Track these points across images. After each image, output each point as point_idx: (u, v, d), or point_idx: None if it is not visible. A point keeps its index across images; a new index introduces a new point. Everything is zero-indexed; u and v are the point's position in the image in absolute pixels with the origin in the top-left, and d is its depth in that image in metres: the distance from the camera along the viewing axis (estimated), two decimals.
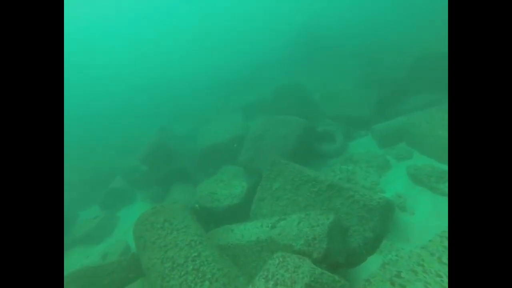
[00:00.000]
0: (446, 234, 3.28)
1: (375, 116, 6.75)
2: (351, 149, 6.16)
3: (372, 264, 3.36)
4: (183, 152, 7.80)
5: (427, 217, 3.75)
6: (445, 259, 2.98)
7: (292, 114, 6.31)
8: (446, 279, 2.75)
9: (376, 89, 7.33)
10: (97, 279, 3.76)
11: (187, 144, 9.12)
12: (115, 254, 5.13)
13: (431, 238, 3.36)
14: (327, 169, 5.81)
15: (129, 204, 7.52)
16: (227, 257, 3.74)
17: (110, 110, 16.68)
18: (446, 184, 4.16)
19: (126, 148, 9.77)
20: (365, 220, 3.53)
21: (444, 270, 2.87)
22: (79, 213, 7.78)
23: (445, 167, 4.57)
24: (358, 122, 6.90)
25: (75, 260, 5.80)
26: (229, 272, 3.25)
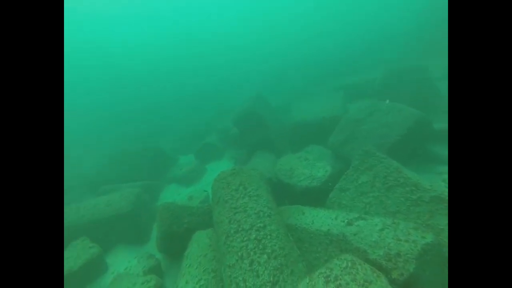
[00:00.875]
0: None
1: None
2: None
3: None
4: (274, 123, 7.79)
5: None
6: None
7: (404, 103, 5.23)
8: None
9: None
10: (180, 215, 4.28)
11: (280, 116, 9.07)
12: (198, 200, 5.74)
13: None
14: (435, 177, 4.68)
15: (217, 159, 8.22)
16: (292, 238, 3.57)
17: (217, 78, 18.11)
18: None
19: (225, 111, 10.54)
20: None
21: None
22: (179, 157, 9.07)
23: None
24: None
25: (170, 194, 6.85)
26: (289, 254, 3.08)
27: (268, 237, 3.13)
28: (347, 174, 4.19)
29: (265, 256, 2.94)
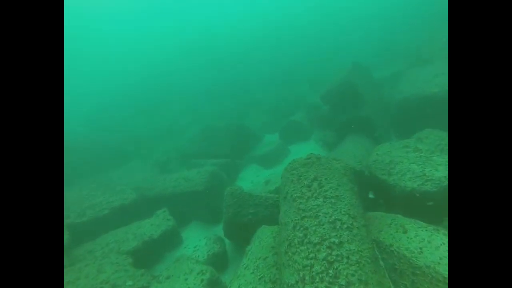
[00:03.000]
0: None
1: None
2: None
3: None
4: (375, 99, 6.17)
5: None
6: None
7: None
8: None
9: None
10: (245, 204, 3.80)
11: (384, 90, 7.22)
12: (274, 185, 5.16)
13: None
14: None
15: (303, 140, 7.37)
16: (382, 263, 2.49)
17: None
18: None
19: (319, 83, 9.27)
20: None
21: None
22: (264, 135, 8.67)
23: None
24: None
25: (249, 174, 6.57)
26: None
27: (345, 260, 2.19)
28: None
29: None
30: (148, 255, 4.18)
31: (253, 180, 6.04)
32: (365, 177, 3.84)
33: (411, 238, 2.44)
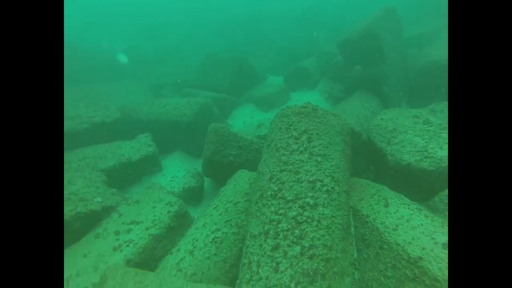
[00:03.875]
0: None
1: None
2: None
3: None
4: (397, 58, 5.47)
5: None
6: None
7: None
8: None
9: None
10: (228, 144, 3.57)
11: (411, 50, 6.40)
12: (266, 130, 4.88)
13: None
14: None
15: (308, 89, 6.84)
16: (353, 231, 2.37)
17: None
18: None
19: (338, 30, 8.24)
20: None
21: None
22: (268, 77, 8.05)
23: None
24: None
25: (243, 114, 6.24)
26: (336, 260, 1.99)
27: (315, 223, 2.04)
28: None
29: (297, 248, 1.94)
30: (124, 177, 4.13)
31: (246, 120, 5.74)
32: (362, 141, 3.54)
33: (390, 213, 2.27)
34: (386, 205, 2.40)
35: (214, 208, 2.92)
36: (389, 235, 2.09)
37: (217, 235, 2.61)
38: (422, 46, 6.23)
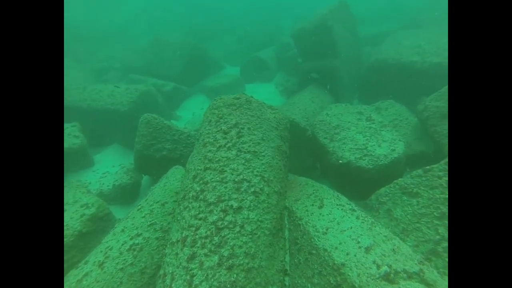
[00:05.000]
0: None
1: None
2: None
3: None
4: (351, 54, 5.48)
5: None
6: None
7: None
8: None
9: None
10: (161, 137, 3.22)
11: (366, 48, 6.51)
12: None
13: None
14: None
15: (264, 81, 6.65)
16: (287, 234, 2.23)
17: None
18: None
19: (303, 17, 8.10)
20: None
21: None
22: (226, 66, 7.70)
23: None
24: None
25: (193, 105, 5.87)
26: (261, 268, 1.82)
27: (237, 229, 1.84)
28: (428, 170, 2.38)
29: (215, 258, 1.72)
30: None
31: (195, 112, 5.38)
32: (307, 137, 3.43)
33: (323, 216, 2.16)
34: (321, 206, 2.28)
35: (138, 210, 2.59)
36: (318, 240, 1.97)
37: (136, 241, 2.29)
38: (376, 44, 6.38)
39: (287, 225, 2.35)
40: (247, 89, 6.38)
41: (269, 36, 8.75)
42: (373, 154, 2.79)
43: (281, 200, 2.24)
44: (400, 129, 3.79)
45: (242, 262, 1.76)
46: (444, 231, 2.06)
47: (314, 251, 1.96)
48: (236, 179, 2.01)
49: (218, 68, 7.30)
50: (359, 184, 2.95)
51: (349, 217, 2.12)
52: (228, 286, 1.65)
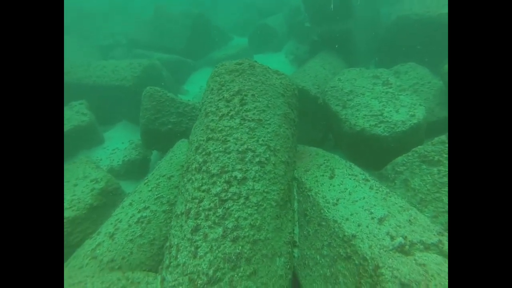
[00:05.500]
0: None
1: None
2: None
3: None
4: (367, 15, 5.03)
5: None
6: None
7: None
8: None
9: None
10: (166, 110, 3.12)
11: (383, 7, 5.96)
12: None
13: None
14: None
15: (273, 50, 6.32)
16: (296, 205, 2.15)
17: None
18: None
19: None
20: None
21: None
22: (234, 37, 7.36)
23: None
24: None
25: (200, 79, 5.70)
26: (267, 240, 1.77)
27: (241, 200, 1.77)
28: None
29: (219, 230, 1.68)
30: None
31: (203, 85, 5.22)
32: (319, 105, 3.24)
33: (334, 186, 2.04)
34: (332, 177, 2.16)
35: (145, 184, 2.57)
36: (328, 211, 1.87)
37: (144, 214, 2.29)
38: (396, 2, 5.80)
39: (296, 197, 2.27)
40: (255, 59, 6.08)
41: (278, 1, 8.19)
42: (390, 120, 2.59)
43: (289, 170, 2.14)
44: (422, 94, 3.50)
45: (247, 234, 1.70)
46: None
47: (323, 223, 1.87)
48: (240, 149, 1.90)
49: (225, 40, 6.99)
50: (375, 154, 2.78)
51: (361, 187, 1.99)
52: (233, 257, 1.61)
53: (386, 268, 1.38)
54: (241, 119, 2.02)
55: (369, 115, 2.68)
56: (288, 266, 1.91)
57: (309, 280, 1.88)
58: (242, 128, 1.98)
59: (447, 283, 1.30)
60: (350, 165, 2.35)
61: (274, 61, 5.69)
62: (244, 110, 2.03)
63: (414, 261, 1.39)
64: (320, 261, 1.83)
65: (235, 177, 1.82)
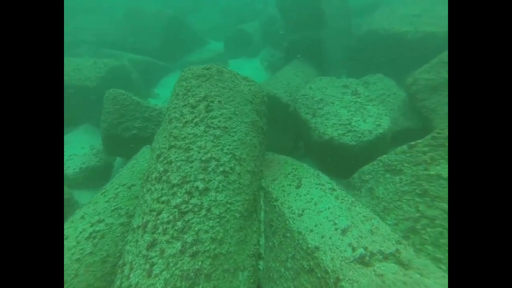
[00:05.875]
0: None
1: None
2: None
3: None
4: (339, 25, 5.19)
5: None
6: None
7: None
8: None
9: None
10: (129, 114, 2.97)
11: (358, 19, 6.20)
12: None
13: None
14: None
15: (249, 56, 6.32)
16: (263, 216, 2.10)
17: None
18: None
19: None
20: None
21: None
22: (210, 42, 7.28)
23: None
24: None
25: (173, 82, 5.52)
26: (229, 254, 1.69)
27: (203, 212, 1.69)
28: (413, 146, 2.26)
29: (178, 245, 1.58)
30: None
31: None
32: (290, 113, 3.25)
33: (300, 196, 2.02)
34: (298, 186, 2.14)
35: (102, 194, 2.40)
36: (293, 222, 1.84)
37: (97, 228, 2.12)
38: (367, 14, 6.06)
39: (263, 207, 2.22)
40: (230, 65, 6.04)
41: (255, 8, 8.26)
42: (357, 129, 2.64)
43: (255, 180, 2.09)
44: (388, 104, 3.64)
45: (208, 248, 1.62)
46: (424, 209, 1.96)
47: (288, 234, 1.84)
48: (203, 158, 1.83)
49: (201, 43, 6.89)
50: (343, 162, 2.82)
51: (327, 197, 1.99)
52: (192, 274, 1.52)
53: (346, 281, 1.37)
54: (206, 126, 1.94)
55: (337, 124, 2.72)
56: (252, 280, 1.85)
57: None
58: (206, 136, 1.91)
59: None
60: (318, 174, 2.35)
61: (249, 67, 5.69)
62: (210, 117, 1.96)
63: (373, 272, 1.39)
64: (284, 274, 1.79)
65: (197, 187, 1.74)
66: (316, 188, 2.10)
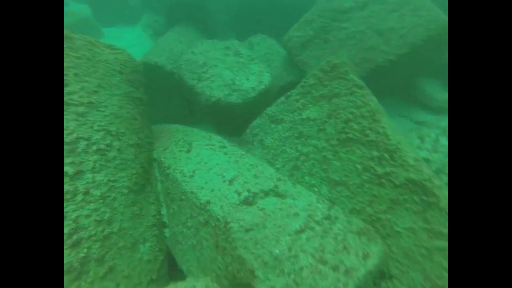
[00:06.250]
0: None
1: None
2: None
3: None
4: None
5: None
6: None
7: None
8: None
9: None
10: None
11: None
12: None
13: None
14: (409, 125, 3.38)
15: (128, 24, 5.61)
16: (160, 187, 2.07)
17: None
18: None
19: None
20: None
21: None
22: (69, 1, 6.05)
23: None
24: None
25: None
26: (126, 231, 1.64)
27: (79, 197, 1.57)
28: (289, 96, 2.53)
29: None
30: None
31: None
32: (176, 81, 3.13)
33: (190, 159, 2.07)
34: (189, 150, 2.17)
35: None
36: (185, 184, 1.89)
37: None
38: None
39: (158, 177, 2.19)
40: (107, 34, 5.24)
41: None
42: (242, 88, 2.79)
43: (141, 153, 2.01)
44: (272, 62, 3.92)
45: (94, 231, 1.52)
46: (301, 148, 2.30)
47: (183, 196, 1.89)
48: (67, 140, 1.62)
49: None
50: (235, 121, 2.97)
51: (217, 155, 2.09)
52: (76, 265, 1.42)
53: (234, 222, 1.53)
54: (66, 105, 1.70)
55: (222, 85, 2.80)
56: (157, 249, 1.87)
57: (181, 254, 1.90)
58: (66, 114, 1.68)
59: (282, 219, 1.56)
60: (209, 136, 2.42)
61: (131, 37, 5.07)
62: (66, 93, 1.71)
63: (256, 208, 1.60)
64: (187, 233, 1.86)
65: (66, 173, 1.55)
66: (206, 149, 2.18)
